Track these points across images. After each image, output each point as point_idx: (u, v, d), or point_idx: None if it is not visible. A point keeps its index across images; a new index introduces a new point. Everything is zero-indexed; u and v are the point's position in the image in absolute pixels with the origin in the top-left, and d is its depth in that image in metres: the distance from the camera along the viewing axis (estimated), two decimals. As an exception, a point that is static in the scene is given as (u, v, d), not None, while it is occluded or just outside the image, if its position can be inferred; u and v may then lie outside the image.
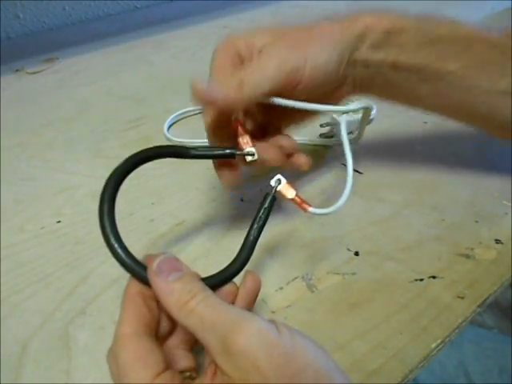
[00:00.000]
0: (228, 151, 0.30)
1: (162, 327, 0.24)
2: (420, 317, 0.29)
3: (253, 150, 0.30)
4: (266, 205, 0.28)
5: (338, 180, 0.41)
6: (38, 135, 0.50)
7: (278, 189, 0.28)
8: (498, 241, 0.34)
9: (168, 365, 0.22)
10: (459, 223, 0.36)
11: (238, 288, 0.25)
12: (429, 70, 0.32)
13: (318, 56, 0.30)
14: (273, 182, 0.28)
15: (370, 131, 0.47)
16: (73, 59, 0.70)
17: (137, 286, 0.24)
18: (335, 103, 0.35)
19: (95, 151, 0.46)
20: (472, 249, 0.34)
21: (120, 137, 0.49)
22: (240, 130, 0.31)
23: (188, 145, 0.29)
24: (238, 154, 0.30)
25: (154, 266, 0.23)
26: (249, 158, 0.30)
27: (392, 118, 0.49)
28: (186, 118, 0.52)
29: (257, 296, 0.26)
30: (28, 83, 0.63)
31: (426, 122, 0.48)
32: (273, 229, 0.36)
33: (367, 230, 0.36)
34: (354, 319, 0.29)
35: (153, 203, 0.39)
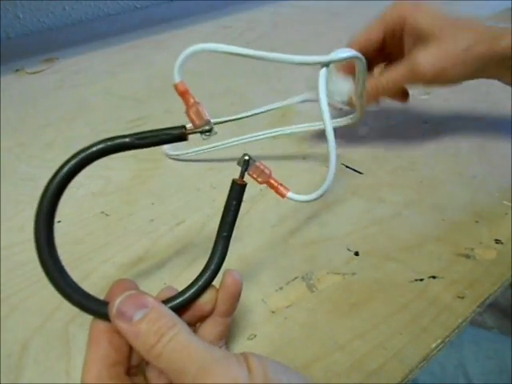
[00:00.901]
0: (177, 132, 0.23)
1: (135, 357, 0.23)
2: (420, 317, 0.29)
3: (207, 126, 0.23)
4: (233, 195, 0.23)
5: (338, 182, 0.41)
6: (38, 135, 0.50)
7: (247, 172, 0.23)
8: (498, 241, 0.34)
9: None
10: (459, 223, 0.36)
11: (216, 292, 0.24)
12: None
13: (456, 74, 0.35)
14: (239, 164, 0.23)
15: (370, 131, 0.47)
16: (73, 59, 0.70)
17: (103, 323, 0.22)
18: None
19: (95, 151, 0.46)
20: (472, 249, 0.34)
21: (120, 137, 0.49)
22: (187, 97, 0.25)
23: (125, 134, 0.24)
24: (191, 133, 0.23)
25: (114, 309, 0.21)
26: (204, 136, 0.24)
27: (392, 118, 0.49)
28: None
29: (239, 296, 0.24)
30: (28, 83, 0.63)
31: (426, 122, 0.48)
32: (272, 229, 0.36)
33: (367, 230, 0.36)
34: (354, 319, 0.29)
35: (153, 203, 0.39)
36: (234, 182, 0.23)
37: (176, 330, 0.21)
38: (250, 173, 0.24)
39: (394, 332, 0.28)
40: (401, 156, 0.44)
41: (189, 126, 0.24)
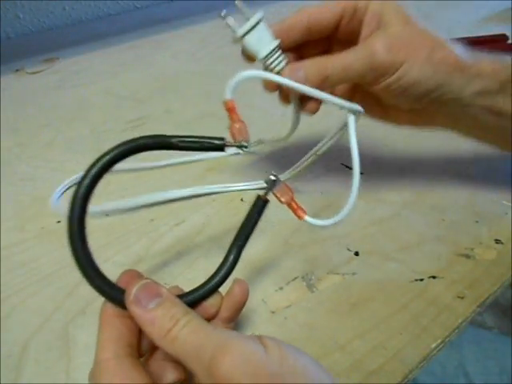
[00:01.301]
0: (217, 142, 0.25)
1: (145, 343, 0.24)
2: (420, 317, 0.29)
3: (245, 143, 0.26)
4: (256, 209, 0.25)
5: (339, 182, 0.41)
6: (38, 135, 0.50)
7: (273, 190, 0.25)
8: (498, 241, 0.34)
9: (155, 382, 0.22)
10: (459, 223, 0.36)
11: (222, 297, 0.25)
12: None
13: (414, 71, 0.29)
14: (267, 183, 0.25)
15: (370, 131, 0.47)
16: (73, 59, 0.70)
17: (112, 308, 0.23)
18: (404, 125, 0.35)
19: (95, 151, 0.46)
20: (472, 249, 0.34)
21: (120, 137, 0.48)
22: (233, 115, 0.27)
23: (170, 134, 0.26)
24: (229, 145, 0.25)
25: (131, 295, 0.22)
26: (240, 151, 0.26)
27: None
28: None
29: (244, 305, 0.25)
30: (28, 83, 0.63)
31: (426, 122, 0.48)
32: (273, 229, 0.36)
33: (367, 230, 0.36)
34: (354, 319, 0.29)
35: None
36: (258, 197, 0.25)
37: (190, 316, 0.22)
38: (275, 192, 0.25)
39: (394, 332, 0.28)
40: (401, 156, 0.44)
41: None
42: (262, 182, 0.39)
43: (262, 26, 0.30)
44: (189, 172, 0.42)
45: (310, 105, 0.31)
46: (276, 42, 0.30)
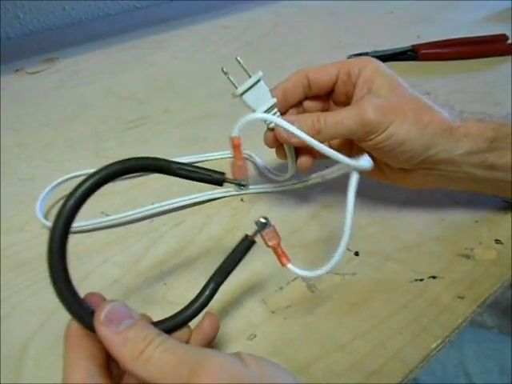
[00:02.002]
0: (217, 177, 0.25)
1: (113, 370, 0.23)
2: (420, 317, 0.29)
3: (244, 182, 0.26)
4: (241, 248, 0.25)
5: (339, 182, 0.41)
6: (38, 135, 0.50)
7: (260, 233, 0.25)
8: (498, 241, 0.34)
9: None
10: (459, 223, 0.36)
11: (190, 331, 0.24)
12: None
13: (403, 131, 0.30)
14: (257, 224, 0.25)
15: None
16: (73, 59, 0.70)
17: (80, 328, 0.22)
18: (398, 184, 0.35)
19: (95, 151, 0.46)
20: (472, 249, 0.34)
21: (120, 137, 0.49)
22: (237, 152, 0.28)
23: (173, 160, 0.25)
24: (229, 182, 0.26)
25: (101, 316, 0.21)
26: (238, 189, 0.27)
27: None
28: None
29: (213, 340, 0.25)
30: (28, 83, 0.63)
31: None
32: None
33: (367, 230, 0.36)
34: (354, 319, 0.29)
35: (153, 203, 0.39)
36: (246, 237, 0.25)
37: (164, 336, 0.21)
38: (263, 234, 0.25)
39: (394, 332, 0.28)
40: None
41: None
42: (266, 185, 0.39)
43: (260, 84, 0.32)
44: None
45: (303, 159, 0.34)
46: (273, 101, 0.32)
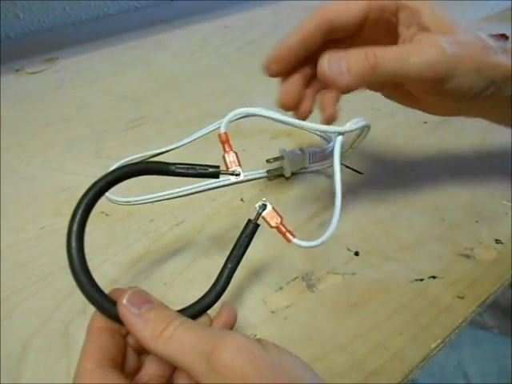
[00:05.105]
0: (212, 170, 0.27)
1: (128, 364, 0.23)
2: (420, 317, 0.29)
3: (238, 169, 0.28)
4: (247, 232, 0.26)
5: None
6: (38, 135, 0.50)
7: (262, 215, 0.27)
8: (498, 241, 0.34)
9: None
10: (459, 223, 0.36)
11: (211, 320, 0.25)
12: None
13: (467, 71, 0.27)
14: (257, 207, 0.27)
15: (370, 131, 0.47)
16: (73, 59, 0.70)
17: (101, 321, 0.23)
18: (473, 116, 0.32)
19: (95, 151, 0.46)
20: (472, 249, 0.34)
21: (120, 137, 0.49)
22: (226, 146, 0.29)
23: (169, 162, 0.27)
24: (223, 173, 0.27)
25: (124, 300, 0.22)
26: (232, 179, 0.28)
27: (392, 118, 0.49)
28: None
29: (232, 328, 0.25)
30: (28, 83, 0.63)
31: (426, 122, 0.48)
32: (272, 229, 0.36)
33: (367, 230, 0.36)
34: (354, 319, 0.29)
35: (153, 203, 0.39)
36: (249, 221, 0.26)
37: (184, 317, 0.22)
38: (264, 216, 0.27)
39: (394, 332, 0.28)
40: (401, 156, 0.44)
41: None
42: (262, 171, 0.40)
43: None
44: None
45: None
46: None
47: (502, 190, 0.39)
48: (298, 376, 0.20)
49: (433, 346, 0.27)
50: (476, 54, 0.27)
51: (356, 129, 0.31)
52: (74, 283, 0.32)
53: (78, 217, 0.23)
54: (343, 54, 0.27)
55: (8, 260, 0.34)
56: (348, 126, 0.30)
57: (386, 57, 0.26)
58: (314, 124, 0.30)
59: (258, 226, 0.26)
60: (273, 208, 0.27)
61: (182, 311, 0.24)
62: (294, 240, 0.27)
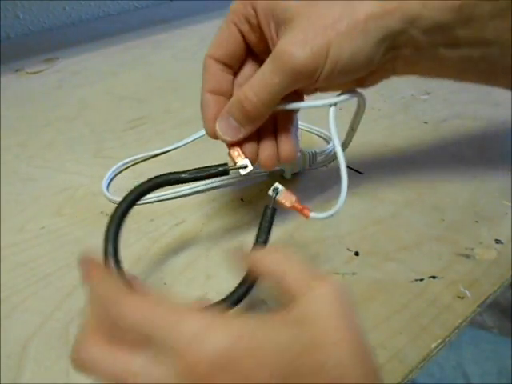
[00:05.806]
0: (221, 169, 0.28)
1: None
2: (420, 317, 0.29)
3: (246, 161, 0.29)
4: (266, 218, 0.27)
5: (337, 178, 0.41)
6: (38, 135, 0.50)
7: (276, 198, 0.28)
8: (498, 241, 0.34)
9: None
10: (459, 223, 0.36)
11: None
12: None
13: (345, 47, 0.25)
14: (270, 192, 0.28)
15: (370, 131, 0.47)
16: (73, 59, 0.70)
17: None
18: (366, 87, 0.30)
19: (95, 151, 0.46)
20: (472, 249, 0.34)
21: (120, 137, 0.49)
22: (228, 144, 0.29)
23: (177, 171, 0.28)
24: (232, 169, 0.29)
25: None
26: (243, 172, 0.29)
27: (392, 118, 0.49)
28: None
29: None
30: (28, 83, 0.63)
31: (426, 122, 0.48)
32: (273, 229, 0.36)
33: (367, 230, 0.36)
34: (354, 319, 0.29)
35: (153, 203, 0.39)
36: (266, 207, 0.28)
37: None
38: (279, 199, 0.28)
39: (394, 332, 0.28)
40: (401, 156, 0.44)
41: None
42: (262, 172, 0.40)
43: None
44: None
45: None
46: None
47: (502, 190, 0.39)
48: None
49: (433, 346, 0.27)
50: (336, 22, 0.24)
51: (348, 99, 0.30)
52: (74, 283, 0.32)
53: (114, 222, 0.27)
54: (225, 109, 0.28)
55: (8, 260, 0.34)
56: (340, 97, 0.29)
57: (254, 90, 0.26)
58: (307, 102, 0.30)
59: (275, 210, 0.28)
60: (285, 189, 0.28)
61: (219, 302, 0.25)
62: (312, 214, 0.28)
